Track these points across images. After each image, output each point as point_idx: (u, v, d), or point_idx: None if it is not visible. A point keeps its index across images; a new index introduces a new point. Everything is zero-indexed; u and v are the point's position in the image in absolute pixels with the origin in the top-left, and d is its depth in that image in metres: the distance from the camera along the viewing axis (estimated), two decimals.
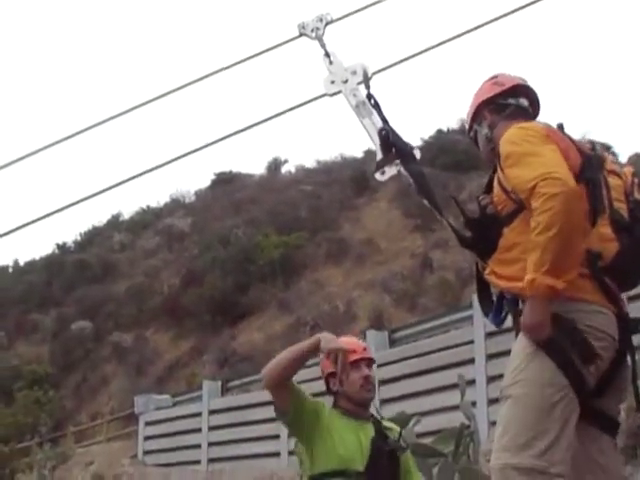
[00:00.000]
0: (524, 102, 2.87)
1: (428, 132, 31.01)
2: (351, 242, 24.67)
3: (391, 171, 2.81)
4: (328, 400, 3.40)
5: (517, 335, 2.64)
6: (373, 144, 2.82)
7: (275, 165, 36.48)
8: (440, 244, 21.07)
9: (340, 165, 32.81)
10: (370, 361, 3.36)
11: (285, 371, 3.16)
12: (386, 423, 3.44)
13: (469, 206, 3.08)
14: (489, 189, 2.80)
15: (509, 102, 2.85)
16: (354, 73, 2.94)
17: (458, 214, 2.80)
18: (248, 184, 34.57)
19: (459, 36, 3.02)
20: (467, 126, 2.99)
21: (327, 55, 3.02)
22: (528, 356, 2.55)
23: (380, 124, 2.84)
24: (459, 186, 21.68)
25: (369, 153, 27.45)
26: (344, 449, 3.18)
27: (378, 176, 2.84)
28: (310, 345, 3.15)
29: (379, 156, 2.83)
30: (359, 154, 31.93)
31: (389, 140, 2.81)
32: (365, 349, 3.37)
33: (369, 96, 2.91)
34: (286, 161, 36.77)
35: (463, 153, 24.67)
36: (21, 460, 15.41)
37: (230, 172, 36.92)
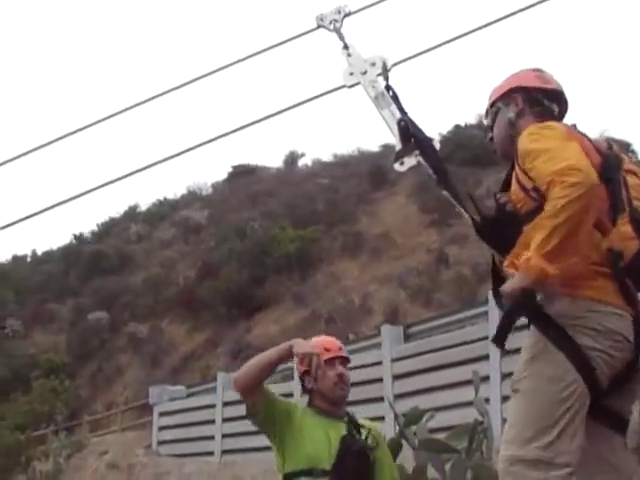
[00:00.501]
0: (555, 108, 2.86)
1: (446, 127, 31.01)
2: (367, 236, 24.65)
3: (410, 162, 2.78)
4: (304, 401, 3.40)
5: (529, 328, 2.63)
6: (392, 135, 2.80)
7: (292, 158, 36.53)
8: (456, 239, 21.01)
9: (357, 159, 32.79)
10: (345, 360, 3.37)
11: (254, 379, 3.19)
12: (362, 422, 3.40)
13: (486, 202, 3.05)
14: (506, 186, 2.78)
15: (544, 102, 2.84)
16: (373, 65, 2.91)
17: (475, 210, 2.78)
18: (265, 177, 34.64)
19: (476, 30, 3.00)
20: (490, 100, 2.95)
21: (346, 47, 3.00)
22: (538, 351, 2.54)
23: (399, 115, 2.82)
24: (477, 181, 21.61)
25: (386, 147, 27.41)
26: (312, 447, 3.18)
27: (397, 167, 2.81)
28: (280, 351, 3.19)
29: (398, 147, 2.81)
30: (376, 148, 31.95)
31: (408, 131, 2.79)
32: (341, 348, 3.38)
33: (388, 87, 2.89)
34: (303, 154, 36.90)
35: (481, 148, 24.55)
36: (37, 448, 15.54)
37: (247, 165, 37.01)
